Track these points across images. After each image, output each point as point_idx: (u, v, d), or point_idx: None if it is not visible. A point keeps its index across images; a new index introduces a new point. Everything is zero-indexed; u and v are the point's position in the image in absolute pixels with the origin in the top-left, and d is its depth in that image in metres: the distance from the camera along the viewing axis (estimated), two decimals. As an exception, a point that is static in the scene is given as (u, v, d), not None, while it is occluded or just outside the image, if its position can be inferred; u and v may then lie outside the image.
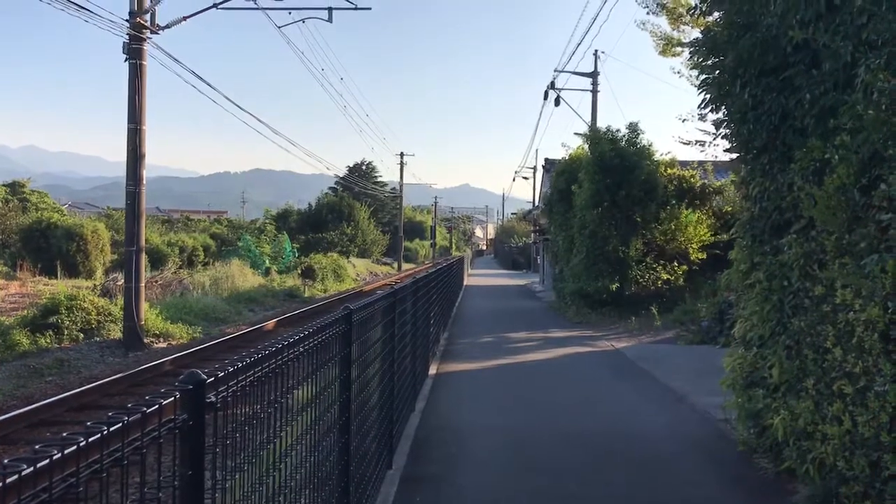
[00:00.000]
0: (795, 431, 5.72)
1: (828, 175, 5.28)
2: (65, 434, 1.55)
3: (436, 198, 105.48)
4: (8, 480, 1.34)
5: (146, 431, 1.84)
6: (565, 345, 15.60)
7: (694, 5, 7.62)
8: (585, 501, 5.94)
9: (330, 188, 78.62)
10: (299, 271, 36.88)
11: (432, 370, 11.79)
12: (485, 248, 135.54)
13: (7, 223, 37.87)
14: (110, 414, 1.73)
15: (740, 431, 7.37)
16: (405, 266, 65.51)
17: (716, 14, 7.43)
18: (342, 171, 73.56)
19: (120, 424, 1.69)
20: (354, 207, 63.11)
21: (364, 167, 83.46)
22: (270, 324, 19.75)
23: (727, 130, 7.27)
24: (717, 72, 7.06)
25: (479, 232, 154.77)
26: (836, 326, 5.09)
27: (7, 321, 15.73)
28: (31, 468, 1.41)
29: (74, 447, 1.52)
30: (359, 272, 49.61)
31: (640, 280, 21.28)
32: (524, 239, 68.18)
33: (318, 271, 36.96)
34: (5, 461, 1.40)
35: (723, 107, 7.17)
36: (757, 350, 6.73)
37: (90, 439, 1.57)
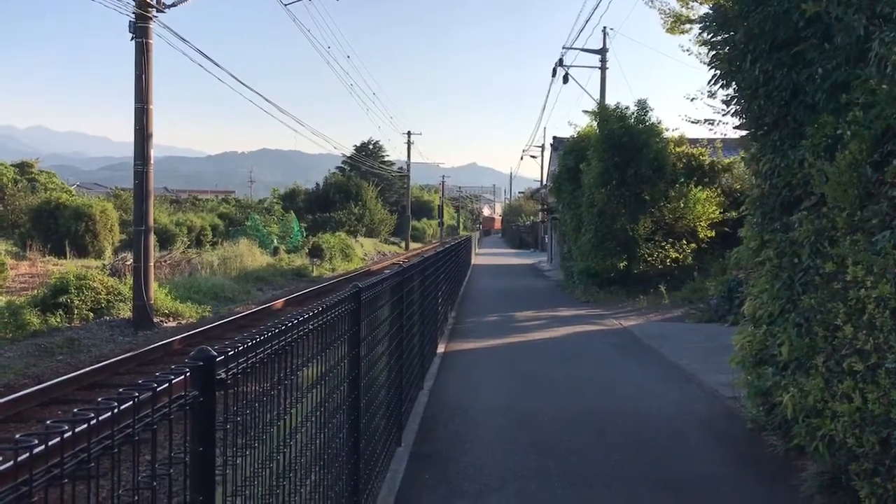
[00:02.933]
0: (805, 409, 5.71)
1: (840, 151, 5.22)
2: (76, 410, 1.55)
3: (443, 177, 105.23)
4: (20, 458, 1.34)
5: (157, 408, 1.84)
6: (573, 323, 15.61)
7: (704, -21, 7.52)
8: (592, 479, 5.96)
9: (337, 168, 78.43)
10: (307, 251, 36.95)
11: (440, 349, 11.82)
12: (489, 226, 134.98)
13: (16, 203, 37.99)
14: (121, 390, 1.73)
15: (749, 409, 7.37)
16: (413, 245, 65.52)
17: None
18: (349, 151, 73.41)
19: (131, 402, 1.69)
20: (362, 187, 63.00)
21: (371, 146, 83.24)
22: (279, 303, 19.81)
23: (737, 107, 7.19)
24: (728, 47, 6.97)
25: (486, 211, 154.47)
26: (846, 303, 5.06)
27: (18, 301, 15.82)
28: (43, 445, 1.41)
29: (86, 424, 1.52)
30: (367, 251, 49.68)
31: (649, 258, 21.22)
32: (532, 218, 68.06)
33: (326, 251, 37.01)
34: (17, 437, 1.40)
35: (733, 83, 7.08)
36: (766, 327, 6.70)
37: (101, 416, 1.57)
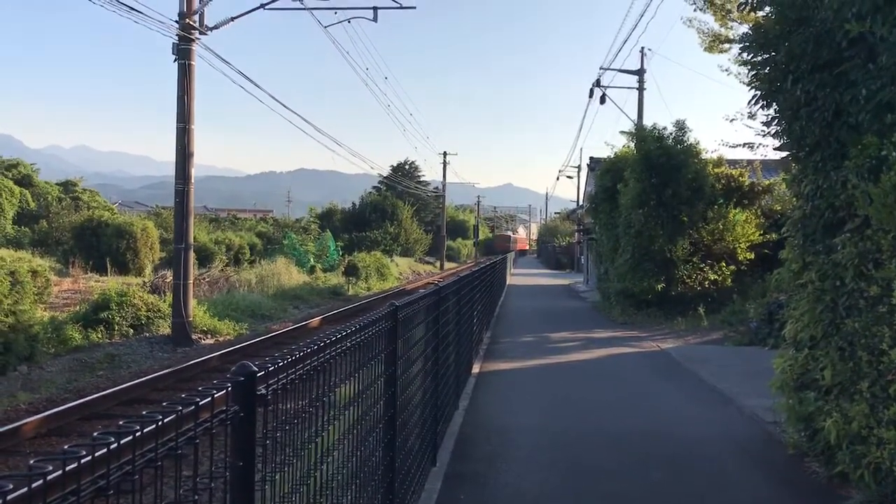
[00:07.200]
0: (849, 435, 5.59)
1: (884, 172, 5.14)
2: (121, 423, 1.57)
3: (479, 197, 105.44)
4: (68, 468, 1.36)
5: (199, 422, 1.86)
6: (609, 345, 15.46)
7: (744, 0, 7.46)
8: (629, 502, 5.87)
9: (374, 187, 78.96)
10: (343, 269, 37.16)
11: (475, 369, 11.78)
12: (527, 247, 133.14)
13: (60, 221, 38.81)
14: (164, 404, 1.75)
15: (790, 434, 7.22)
16: (448, 265, 65.57)
17: (766, 9, 7.28)
18: (386, 171, 73.85)
19: (175, 415, 1.71)
20: (398, 206, 63.31)
21: (407, 166, 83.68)
22: (315, 321, 19.93)
23: (778, 127, 7.12)
24: (768, 67, 6.92)
25: (521, 231, 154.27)
26: (892, 328, 4.96)
27: (60, 316, 16.13)
28: (90, 456, 1.44)
29: (131, 436, 1.54)
30: (402, 271, 49.82)
31: (687, 280, 20.98)
32: (568, 238, 67.76)
33: (362, 269, 37.19)
34: (65, 447, 1.43)
35: (773, 103, 7.02)
36: (808, 351, 6.58)
37: (146, 428, 1.59)
